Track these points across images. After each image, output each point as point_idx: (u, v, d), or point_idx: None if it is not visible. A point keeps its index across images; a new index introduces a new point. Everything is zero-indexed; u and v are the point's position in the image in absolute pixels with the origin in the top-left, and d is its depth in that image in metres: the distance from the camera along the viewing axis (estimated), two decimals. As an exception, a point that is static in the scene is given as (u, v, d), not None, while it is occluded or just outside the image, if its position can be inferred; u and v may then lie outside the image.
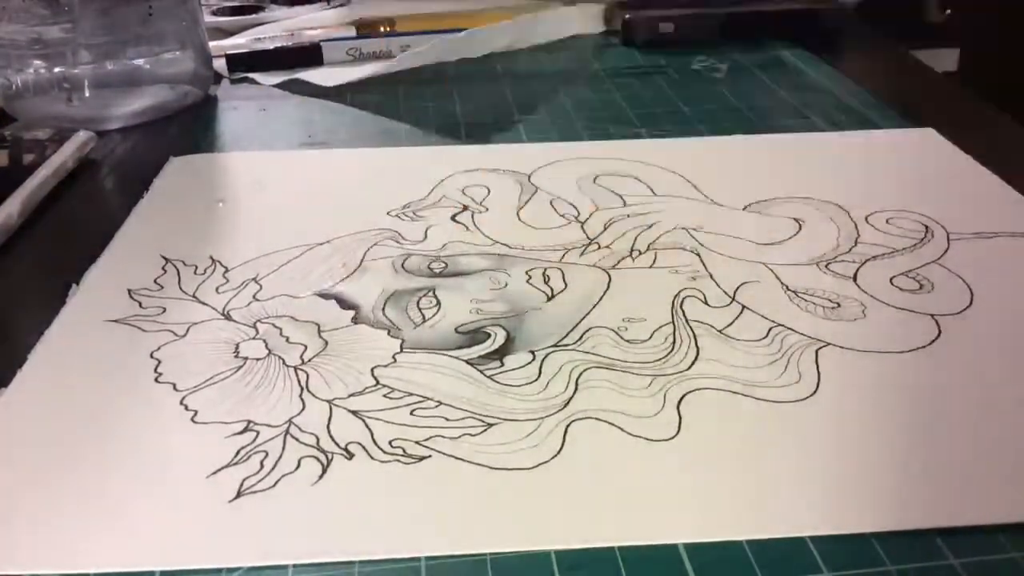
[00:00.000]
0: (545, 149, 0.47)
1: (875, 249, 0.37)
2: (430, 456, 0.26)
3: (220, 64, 0.59)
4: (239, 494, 0.25)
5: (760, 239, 0.38)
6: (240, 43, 0.63)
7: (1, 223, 0.38)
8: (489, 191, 0.42)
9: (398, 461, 0.26)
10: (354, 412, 0.28)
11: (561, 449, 0.26)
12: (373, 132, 0.50)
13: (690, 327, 0.32)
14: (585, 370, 0.30)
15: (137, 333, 0.32)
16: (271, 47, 0.61)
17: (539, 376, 0.29)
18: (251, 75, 0.59)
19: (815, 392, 0.29)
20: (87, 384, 0.30)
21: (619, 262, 0.36)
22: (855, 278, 0.35)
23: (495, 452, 0.26)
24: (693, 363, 0.30)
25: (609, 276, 0.35)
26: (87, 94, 0.50)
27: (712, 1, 0.64)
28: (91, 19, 0.48)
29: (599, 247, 0.37)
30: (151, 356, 0.31)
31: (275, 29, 0.65)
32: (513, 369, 0.30)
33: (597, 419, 0.28)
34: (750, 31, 0.63)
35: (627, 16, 0.63)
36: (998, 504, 0.24)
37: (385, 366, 0.30)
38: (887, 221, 0.39)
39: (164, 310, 0.33)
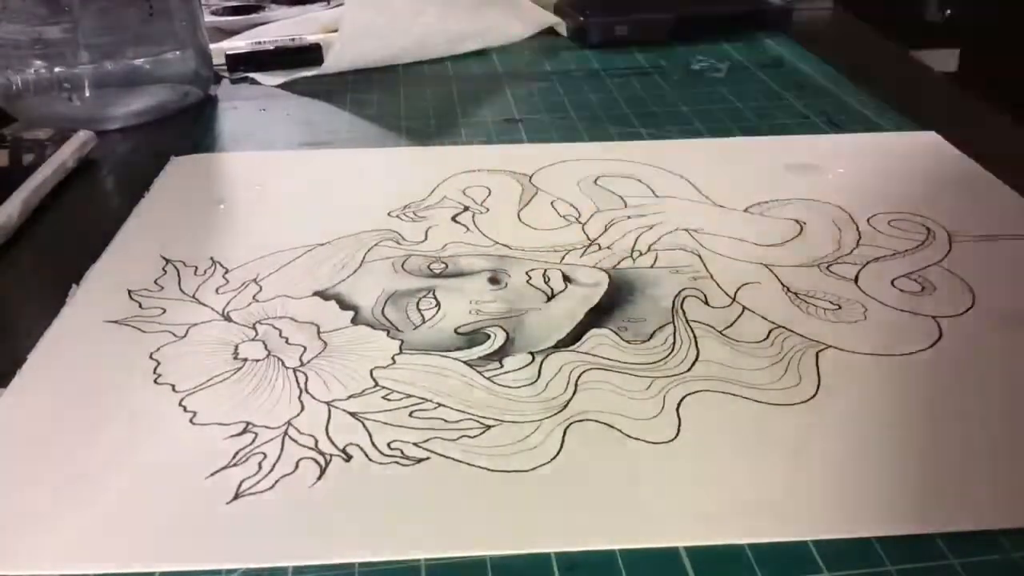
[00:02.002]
0: (546, 149, 0.47)
1: (877, 251, 0.37)
2: (429, 458, 0.26)
3: (220, 64, 0.59)
4: (237, 495, 0.25)
5: (761, 240, 0.37)
6: (240, 43, 0.62)
7: (1, 223, 0.38)
8: (490, 192, 0.42)
9: (396, 463, 0.26)
10: (353, 414, 0.28)
11: (560, 451, 0.26)
12: (373, 132, 0.50)
13: (690, 328, 0.32)
14: (584, 371, 0.30)
15: (137, 334, 0.32)
16: (271, 47, 0.61)
17: (538, 377, 0.29)
18: (251, 75, 0.59)
19: (815, 394, 0.29)
20: (87, 384, 0.30)
21: (619, 263, 0.36)
22: (856, 280, 0.35)
23: (494, 454, 0.26)
24: (693, 364, 0.30)
25: (610, 277, 0.35)
26: (87, 94, 0.50)
27: (660, 4, 0.66)
28: (91, 19, 0.48)
29: (600, 248, 0.37)
30: (151, 357, 0.31)
31: (275, 29, 0.65)
32: (512, 371, 0.30)
33: (596, 421, 0.28)
34: (699, 33, 0.64)
35: (582, 18, 0.64)
36: (999, 508, 0.24)
37: (384, 367, 0.30)
38: (889, 223, 0.39)
39: (164, 311, 0.33)
